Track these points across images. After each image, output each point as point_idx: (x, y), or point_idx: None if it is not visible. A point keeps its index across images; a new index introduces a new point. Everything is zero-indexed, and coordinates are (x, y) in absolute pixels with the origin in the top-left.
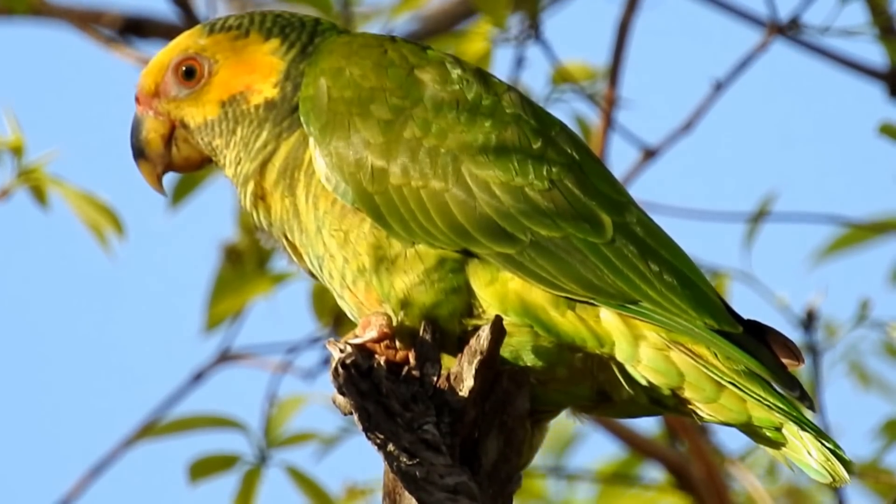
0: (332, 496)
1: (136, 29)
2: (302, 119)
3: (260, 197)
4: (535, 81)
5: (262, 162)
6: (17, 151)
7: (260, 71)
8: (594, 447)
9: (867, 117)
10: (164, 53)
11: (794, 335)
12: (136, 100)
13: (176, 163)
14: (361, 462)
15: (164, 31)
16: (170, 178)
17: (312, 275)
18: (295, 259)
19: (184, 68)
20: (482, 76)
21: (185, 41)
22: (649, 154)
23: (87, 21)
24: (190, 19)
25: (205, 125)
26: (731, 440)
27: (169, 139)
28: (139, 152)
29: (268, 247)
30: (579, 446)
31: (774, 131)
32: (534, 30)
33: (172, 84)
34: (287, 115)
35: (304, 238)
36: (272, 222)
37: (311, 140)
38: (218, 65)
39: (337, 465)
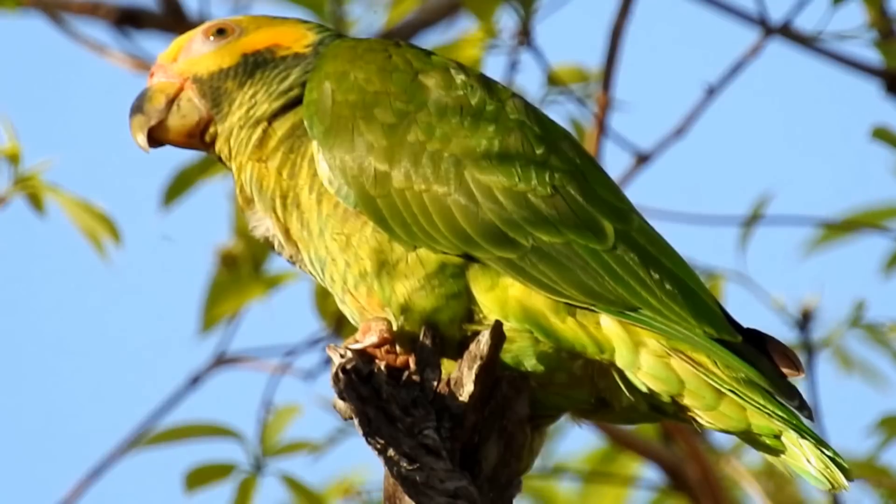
0: (329, 502)
1: (132, 20)
2: (305, 122)
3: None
4: (529, 84)
5: (282, 106)
6: (13, 159)
7: (292, 36)
8: (577, 436)
9: (864, 115)
10: (198, 27)
11: (790, 335)
12: (150, 74)
13: (170, 122)
14: (360, 466)
15: (162, 23)
16: (164, 180)
17: (292, 261)
18: (282, 238)
19: (216, 29)
20: (486, 82)
21: (224, 18)
22: (642, 159)
23: (82, 12)
24: (180, 19)
25: (219, 71)
26: (727, 438)
27: (172, 100)
28: (137, 108)
29: (251, 222)
30: (563, 436)
31: (769, 131)
32: (525, 36)
33: (198, 43)
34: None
35: (304, 233)
36: (262, 191)
37: (315, 143)
38: (250, 31)
39: (334, 469)
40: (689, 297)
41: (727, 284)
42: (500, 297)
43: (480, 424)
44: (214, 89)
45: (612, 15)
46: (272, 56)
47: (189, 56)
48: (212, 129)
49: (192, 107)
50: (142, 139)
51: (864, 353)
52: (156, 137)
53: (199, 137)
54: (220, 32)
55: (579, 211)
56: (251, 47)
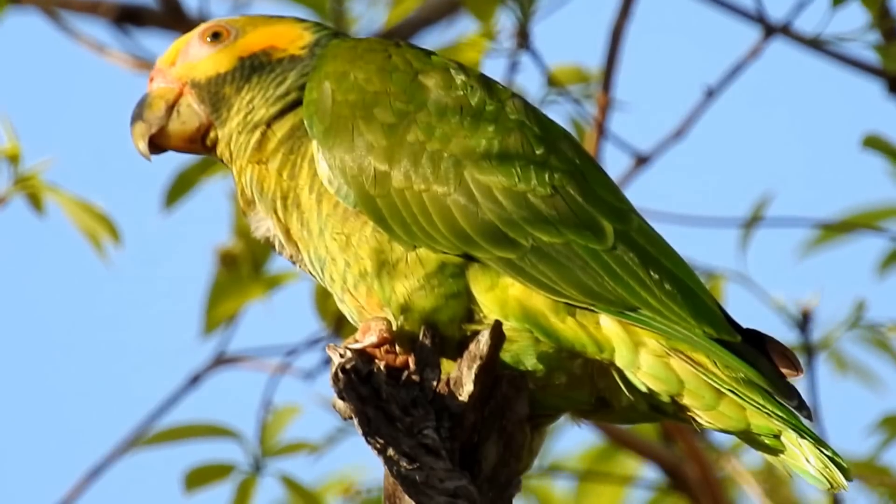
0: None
1: (132, 19)
2: (305, 122)
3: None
4: (529, 85)
5: (280, 111)
6: (13, 159)
7: (288, 37)
8: (574, 435)
9: (866, 115)
10: (194, 30)
11: (790, 336)
12: (150, 79)
13: (171, 128)
14: (360, 465)
15: (162, 21)
16: (164, 181)
17: (293, 261)
18: (283, 238)
19: (211, 33)
20: (486, 82)
21: (220, 19)
22: (642, 161)
23: (82, 11)
24: (180, 17)
25: (216, 76)
26: (727, 438)
27: (172, 106)
28: (137, 116)
29: (252, 223)
30: (560, 435)
31: (769, 132)
32: (524, 38)
33: (195, 47)
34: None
35: (304, 233)
36: (263, 193)
37: (315, 143)
38: (246, 32)
39: (334, 469)
40: (688, 298)
41: (727, 285)
42: (500, 297)
43: (480, 424)
44: (213, 94)
45: (612, 15)
46: (268, 59)
47: (187, 60)
48: (212, 134)
49: (191, 112)
50: (143, 147)
51: (862, 354)
52: (157, 144)
53: (201, 142)
54: (216, 36)
55: (579, 211)
56: (247, 50)
